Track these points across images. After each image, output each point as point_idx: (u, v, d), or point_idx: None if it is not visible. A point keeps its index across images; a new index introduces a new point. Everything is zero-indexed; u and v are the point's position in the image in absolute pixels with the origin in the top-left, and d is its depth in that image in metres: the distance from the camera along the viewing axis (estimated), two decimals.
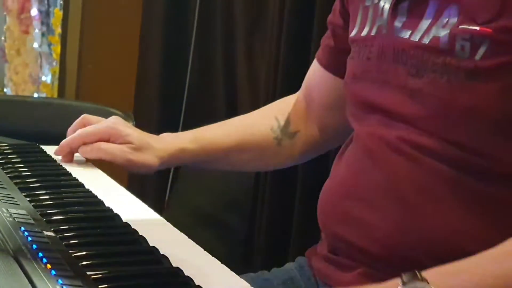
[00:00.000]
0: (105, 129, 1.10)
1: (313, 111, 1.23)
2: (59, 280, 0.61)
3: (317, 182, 1.90)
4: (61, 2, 2.90)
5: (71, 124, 1.15)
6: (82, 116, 1.15)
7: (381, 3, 0.98)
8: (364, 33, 1.01)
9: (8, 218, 0.76)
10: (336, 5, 1.15)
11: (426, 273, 0.70)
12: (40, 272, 0.63)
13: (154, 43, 2.63)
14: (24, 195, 0.86)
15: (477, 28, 0.86)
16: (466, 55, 0.87)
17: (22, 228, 0.73)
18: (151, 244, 0.73)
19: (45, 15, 3.01)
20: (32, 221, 0.76)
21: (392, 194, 0.92)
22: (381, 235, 0.90)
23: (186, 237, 0.82)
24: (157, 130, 1.28)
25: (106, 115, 1.19)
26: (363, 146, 0.98)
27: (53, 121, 1.62)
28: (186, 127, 1.25)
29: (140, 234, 0.76)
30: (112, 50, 2.69)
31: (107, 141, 1.09)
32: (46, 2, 3.03)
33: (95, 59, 2.70)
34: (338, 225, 0.96)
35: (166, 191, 2.51)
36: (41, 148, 1.14)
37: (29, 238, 0.70)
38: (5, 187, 0.89)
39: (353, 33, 1.04)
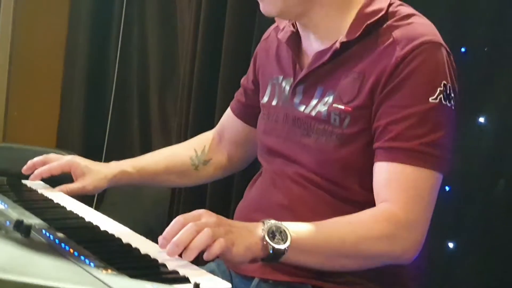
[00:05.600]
0: (67, 162, 1.54)
1: (223, 145, 1.70)
2: (82, 257, 1.01)
3: (221, 210, 2.35)
4: None
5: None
6: (50, 154, 1.57)
7: (283, 84, 1.44)
8: (273, 103, 1.46)
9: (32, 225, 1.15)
10: (250, 74, 1.61)
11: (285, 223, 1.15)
12: (69, 255, 1.02)
13: (76, 94, 3.00)
14: (30, 213, 1.25)
15: (343, 107, 1.31)
16: (337, 124, 1.31)
17: (44, 231, 1.12)
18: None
19: None
20: (46, 227, 1.16)
21: (288, 209, 1.36)
22: None
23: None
24: None
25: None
26: (270, 177, 1.43)
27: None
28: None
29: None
30: (36, 98, 3.05)
31: (68, 171, 1.53)
32: None
33: (20, 107, 3.06)
34: None
35: None
36: (23, 182, 1.53)
37: (51, 237, 1.10)
38: (16, 207, 1.28)
39: (264, 100, 1.49)
